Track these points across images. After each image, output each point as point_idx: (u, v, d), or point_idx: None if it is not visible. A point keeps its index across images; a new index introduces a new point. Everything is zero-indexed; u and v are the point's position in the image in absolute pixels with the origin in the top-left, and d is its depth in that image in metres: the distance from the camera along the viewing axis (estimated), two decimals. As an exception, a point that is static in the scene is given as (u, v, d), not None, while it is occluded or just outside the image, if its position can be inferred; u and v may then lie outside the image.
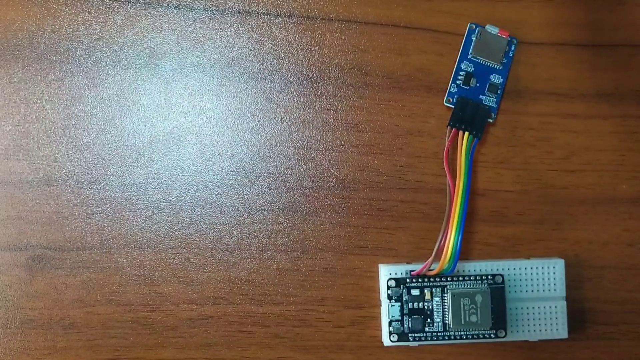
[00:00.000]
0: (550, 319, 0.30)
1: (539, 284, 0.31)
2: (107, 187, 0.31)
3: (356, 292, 0.31)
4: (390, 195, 0.31)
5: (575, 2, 0.32)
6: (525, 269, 0.31)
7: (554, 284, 0.31)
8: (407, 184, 0.32)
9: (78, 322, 0.31)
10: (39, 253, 0.31)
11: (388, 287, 0.30)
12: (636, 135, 0.32)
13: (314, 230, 0.31)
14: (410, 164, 0.32)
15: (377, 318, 0.31)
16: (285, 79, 0.32)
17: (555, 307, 0.31)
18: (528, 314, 0.30)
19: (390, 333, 0.30)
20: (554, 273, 0.31)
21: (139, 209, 0.31)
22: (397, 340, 0.30)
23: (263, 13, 0.32)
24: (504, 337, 0.30)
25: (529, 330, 0.30)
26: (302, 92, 0.32)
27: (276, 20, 0.32)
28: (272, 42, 0.32)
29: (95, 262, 0.31)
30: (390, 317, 0.30)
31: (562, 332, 0.30)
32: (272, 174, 0.32)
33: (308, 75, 0.32)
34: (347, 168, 0.32)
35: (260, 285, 0.31)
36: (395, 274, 0.30)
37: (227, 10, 0.32)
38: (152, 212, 0.31)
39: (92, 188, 0.31)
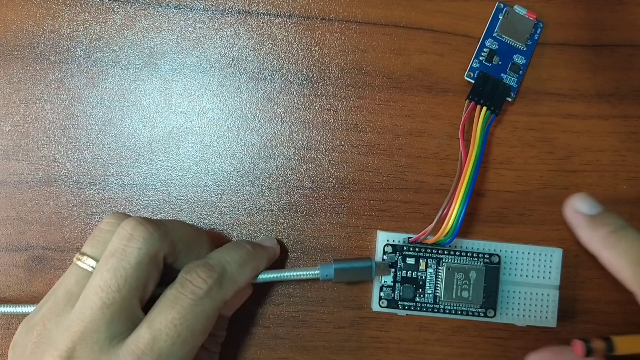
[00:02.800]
0: (541, 306, 0.31)
1: (535, 270, 0.31)
2: (107, 188, 0.31)
3: (356, 293, 0.31)
4: (390, 196, 0.31)
5: (575, 2, 0.32)
6: (523, 253, 0.31)
7: (550, 272, 0.31)
8: (407, 185, 0.31)
9: (78, 323, 0.31)
10: (38, 253, 0.31)
11: (384, 252, 0.30)
12: (636, 136, 0.32)
13: (314, 230, 0.31)
14: (411, 165, 0.31)
15: (377, 319, 0.31)
16: (285, 79, 0.32)
17: (548, 295, 0.31)
18: (520, 298, 0.31)
19: (380, 298, 0.30)
20: (550, 261, 0.31)
21: (138, 209, 0.31)
22: (387, 307, 0.30)
23: (263, 13, 0.32)
24: (492, 317, 0.30)
25: (518, 315, 0.31)
26: (302, 93, 0.32)
27: (276, 20, 0.32)
28: (272, 42, 0.32)
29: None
30: (382, 282, 0.30)
31: (551, 320, 0.31)
32: (272, 174, 0.32)
33: (308, 75, 0.32)
34: (347, 168, 0.31)
35: (261, 285, 0.31)
36: (393, 240, 0.30)
37: (227, 10, 0.32)
38: (152, 212, 0.31)
39: (91, 188, 0.31)
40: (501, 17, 0.31)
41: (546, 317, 0.31)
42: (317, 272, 0.29)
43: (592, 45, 0.32)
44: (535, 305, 0.31)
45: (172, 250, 0.26)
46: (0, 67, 0.31)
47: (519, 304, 0.31)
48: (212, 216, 0.31)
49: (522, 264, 0.31)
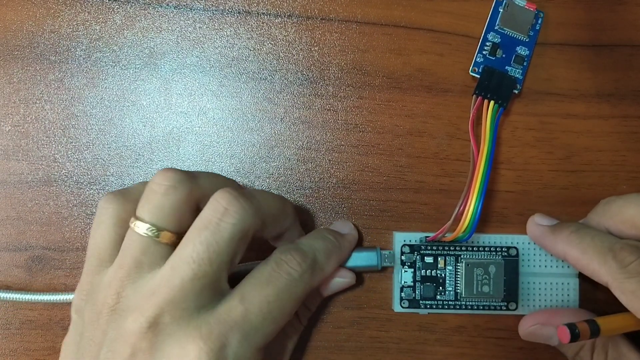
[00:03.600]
0: (562, 295, 0.31)
1: (553, 260, 0.31)
2: (107, 188, 0.31)
3: (356, 293, 0.31)
4: (390, 196, 0.31)
5: (575, 2, 0.32)
6: None
7: None
8: (407, 185, 0.31)
9: (78, 323, 0.31)
10: (38, 253, 0.31)
11: (402, 253, 0.30)
12: (636, 136, 0.32)
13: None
14: (411, 165, 0.31)
15: (377, 319, 0.31)
16: (285, 79, 0.32)
17: (568, 283, 0.31)
18: (540, 289, 0.31)
19: (401, 299, 0.30)
20: None
21: (138, 209, 0.31)
22: (408, 307, 0.30)
23: (263, 13, 0.32)
24: (515, 309, 0.30)
25: (540, 305, 0.31)
26: (302, 93, 0.32)
27: (276, 20, 0.32)
28: (272, 42, 0.32)
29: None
30: (403, 282, 0.30)
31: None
32: (272, 174, 0.32)
33: (308, 75, 0.32)
34: (347, 168, 0.31)
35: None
36: (410, 240, 0.30)
37: (227, 10, 0.32)
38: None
39: (91, 188, 0.31)
40: (501, 10, 0.31)
41: (567, 306, 0.31)
42: None
43: (592, 45, 0.32)
44: (557, 294, 0.31)
45: (261, 225, 0.26)
46: (0, 67, 0.31)
47: (539, 294, 0.31)
48: (212, 216, 0.31)
49: (540, 255, 0.31)
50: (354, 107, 0.32)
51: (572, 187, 0.32)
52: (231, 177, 0.31)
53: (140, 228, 0.25)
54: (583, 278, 0.30)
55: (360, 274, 0.31)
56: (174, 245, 0.25)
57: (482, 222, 0.31)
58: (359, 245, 0.31)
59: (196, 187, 0.26)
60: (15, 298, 0.30)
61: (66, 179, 0.31)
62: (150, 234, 0.25)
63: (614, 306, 0.29)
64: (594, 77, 0.32)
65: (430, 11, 0.32)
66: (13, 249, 0.31)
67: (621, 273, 0.25)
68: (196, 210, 0.26)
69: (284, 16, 0.32)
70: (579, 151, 0.32)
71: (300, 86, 0.32)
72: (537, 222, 0.30)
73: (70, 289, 0.31)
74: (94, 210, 0.31)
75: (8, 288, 0.31)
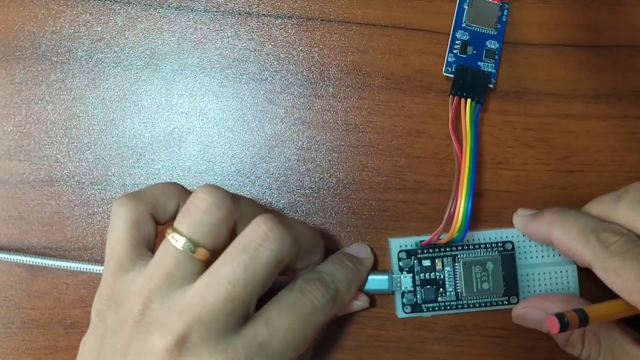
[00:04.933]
0: (562, 282, 0.31)
1: (549, 249, 0.31)
2: (108, 188, 0.31)
3: (356, 292, 0.31)
4: (389, 196, 0.32)
5: (574, 3, 0.32)
6: None
7: None
8: (407, 185, 0.32)
9: (79, 322, 0.31)
10: (40, 253, 0.31)
11: (399, 259, 0.30)
12: (635, 136, 0.32)
13: (314, 230, 0.32)
14: (410, 165, 0.32)
15: (377, 318, 0.31)
16: (285, 79, 0.32)
17: (566, 271, 0.31)
18: (539, 279, 0.31)
19: (403, 305, 0.30)
20: None
21: (139, 209, 0.31)
22: (411, 312, 0.30)
23: (263, 14, 0.32)
24: (516, 303, 0.30)
25: None
26: (302, 93, 0.32)
27: (276, 22, 0.32)
28: (273, 43, 0.32)
29: (97, 262, 0.31)
30: (403, 288, 0.30)
31: (574, 293, 0.31)
32: (273, 174, 0.32)
33: (308, 76, 0.32)
34: (347, 168, 0.32)
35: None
36: (406, 245, 0.31)
37: (228, 11, 0.32)
38: (153, 212, 0.31)
39: (93, 188, 0.32)
40: (466, 7, 0.31)
41: (569, 292, 0.31)
42: None
43: (590, 46, 0.32)
44: (557, 283, 0.31)
45: (296, 256, 0.26)
46: (2, 67, 0.32)
47: (539, 284, 0.31)
48: (212, 216, 0.31)
49: (536, 246, 0.31)
50: (353, 108, 0.32)
51: (570, 187, 0.32)
52: (232, 177, 0.32)
53: (178, 241, 0.25)
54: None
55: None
56: (207, 263, 0.25)
57: (481, 222, 0.31)
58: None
59: (237, 209, 0.26)
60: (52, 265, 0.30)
61: (68, 179, 0.31)
62: (186, 248, 0.25)
63: (613, 294, 0.30)
64: (592, 78, 0.32)
65: (430, 12, 0.32)
66: (15, 249, 0.31)
67: (604, 253, 0.25)
68: (232, 231, 0.26)
69: (285, 17, 0.32)
70: (577, 151, 0.32)
71: (300, 87, 0.32)
72: (520, 214, 0.31)
73: (72, 288, 0.31)
74: (96, 210, 0.31)
75: (9, 287, 0.31)
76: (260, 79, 0.32)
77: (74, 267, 0.29)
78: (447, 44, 0.32)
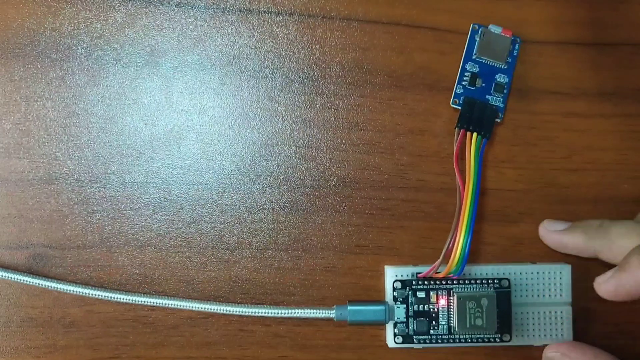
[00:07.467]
0: (556, 324, 0.30)
1: (545, 289, 0.30)
2: (108, 186, 0.31)
3: (357, 291, 0.31)
4: (391, 194, 0.31)
5: (577, 1, 0.32)
6: (532, 273, 0.31)
7: (560, 290, 0.30)
8: (409, 183, 0.31)
9: (78, 321, 0.31)
10: (39, 251, 0.31)
11: (394, 289, 0.30)
12: (638, 135, 0.32)
13: (314, 229, 0.31)
14: (412, 163, 0.31)
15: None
16: (286, 77, 0.32)
17: (561, 312, 0.30)
18: (533, 318, 0.30)
19: (395, 335, 0.30)
20: (560, 278, 0.31)
21: (139, 207, 0.31)
22: (402, 342, 0.30)
23: (264, 11, 0.32)
24: (509, 341, 0.30)
25: (534, 335, 0.30)
26: (303, 91, 0.32)
27: (277, 19, 0.32)
28: (273, 41, 0.32)
29: (96, 260, 0.31)
30: (396, 318, 0.30)
31: (567, 337, 0.30)
32: (273, 172, 0.32)
33: (309, 73, 0.32)
34: (348, 167, 0.31)
35: (261, 284, 0.31)
36: (402, 275, 0.30)
37: (228, 8, 0.32)
38: (153, 210, 0.31)
39: (92, 186, 0.31)
40: (477, 39, 0.31)
41: (562, 335, 0.30)
42: (332, 312, 0.30)
43: (594, 44, 0.32)
44: (550, 323, 0.30)
45: None
46: (1, 65, 0.31)
47: (533, 324, 0.30)
48: (213, 214, 0.31)
49: (532, 285, 0.31)
50: (355, 106, 0.32)
51: (573, 186, 0.32)
52: (232, 175, 0.31)
53: None
54: (575, 308, 0.31)
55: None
56: None
57: (484, 221, 0.31)
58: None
59: None
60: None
61: (67, 176, 0.31)
62: None
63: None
64: (595, 76, 0.32)
65: (432, 9, 0.32)
66: (14, 247, 0.31)
67: None
68: None
69: (285, 14, 0.32)
70: (580, 150, 0.32)
71: (301, 84, 0.32)
72: (552, 229, 0.30)
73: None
74: (95, 208, 0.31)
75: (9, 286, 0.31)
76: (261, 76, 0.32)
77: (77, 292, 0.30)
78: (449, 41, 0.31)
